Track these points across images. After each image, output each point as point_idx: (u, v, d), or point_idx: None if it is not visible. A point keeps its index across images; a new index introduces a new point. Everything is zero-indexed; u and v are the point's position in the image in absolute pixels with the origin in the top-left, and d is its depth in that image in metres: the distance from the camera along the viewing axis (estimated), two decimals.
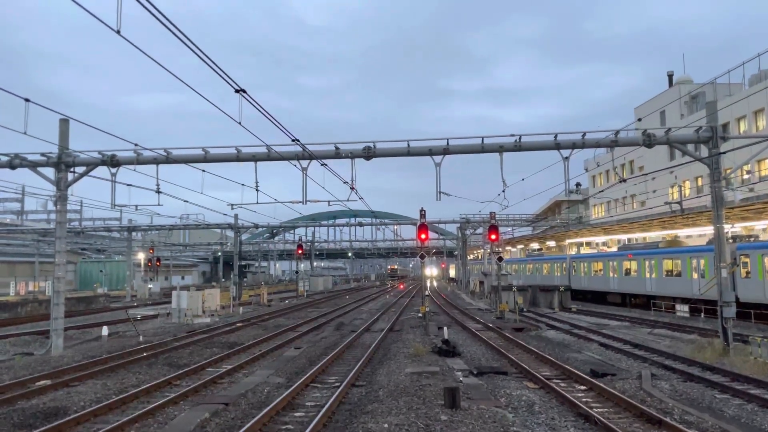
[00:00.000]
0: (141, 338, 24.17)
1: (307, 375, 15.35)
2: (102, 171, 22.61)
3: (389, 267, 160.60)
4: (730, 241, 28.35)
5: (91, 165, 22.24)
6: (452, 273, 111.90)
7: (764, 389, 13.72)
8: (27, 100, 16.19)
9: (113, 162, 21.99)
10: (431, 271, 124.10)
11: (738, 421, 11.51)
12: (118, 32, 9.56)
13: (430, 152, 21.14)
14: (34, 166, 21.93)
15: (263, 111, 13.09)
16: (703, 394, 13.70)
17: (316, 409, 12.04)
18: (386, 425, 10.34)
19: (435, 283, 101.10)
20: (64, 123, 21.97)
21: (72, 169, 22.25)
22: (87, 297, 50.67)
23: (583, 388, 14.22)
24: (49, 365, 17.77)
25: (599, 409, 11.92)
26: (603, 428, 10.42)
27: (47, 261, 63.50)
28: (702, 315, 29.18)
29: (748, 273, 27.05)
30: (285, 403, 12.50)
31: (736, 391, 13.63)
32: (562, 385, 14.44)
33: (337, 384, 14.71)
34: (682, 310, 31.60)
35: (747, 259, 27.10)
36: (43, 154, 21.80)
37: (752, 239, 30.54)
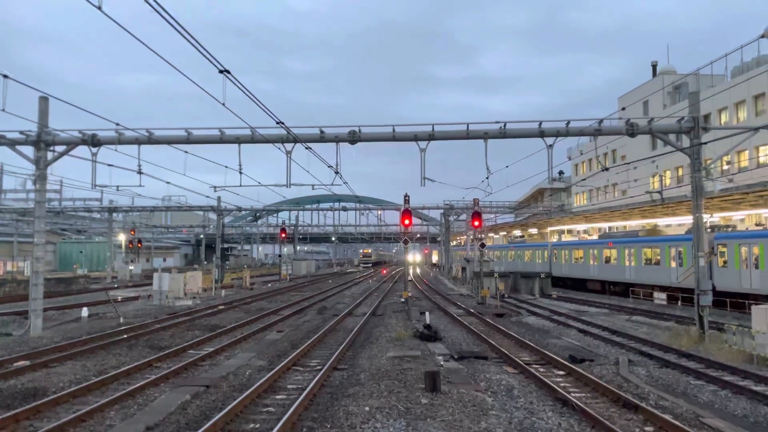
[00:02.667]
0: (121, 320, 24.01)
1: (289, 358, 15.38)
2: (82, 150, 22.27)
3: (362, 251, 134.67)
4: (709, 230, 28.78)
5: (71, 144, 21.88)
6: (435, 259, 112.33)
7: (738, 376, 14.03)
8: (5, 76, 15.87)
9: (94, 141, 21.66)
10: (414, 256, 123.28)
11: (712, 406, 11.77)
12: (99, 8, 9.38)
13: (416, 138, 21.11)
14: (12, 144, 21.53)
15: (247, 92, 12.96)
16: (678, 380, 13.97)
17: (298, 392, 12.09)
18: (367, 408, 10.42)
19: (418, 270, 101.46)
20: (44, 101, 21.56)
21: (52, 148, 21.88)
22: (67, 278, 50.14)
23: (561, 373, 14.42)
24: (28, 346, 17.61)
25: (577, 394, 12.11)
26: (580, 413, 10.59)
27: (26, 241, 62.63)
28: (679, 303, 29.66)
29: (725, 262, 27.51)
30: (266, 386, 12.53)
31: (711, 377, 13.92)
32: (541, 370, 14.62)
33: (318, 367, 14.76)
34: (660, 297, 32.10)
35: (724, 249, 27.55)
36: (22, 132, 21.41)
37: (730, 229, 31.04)
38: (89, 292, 42.79)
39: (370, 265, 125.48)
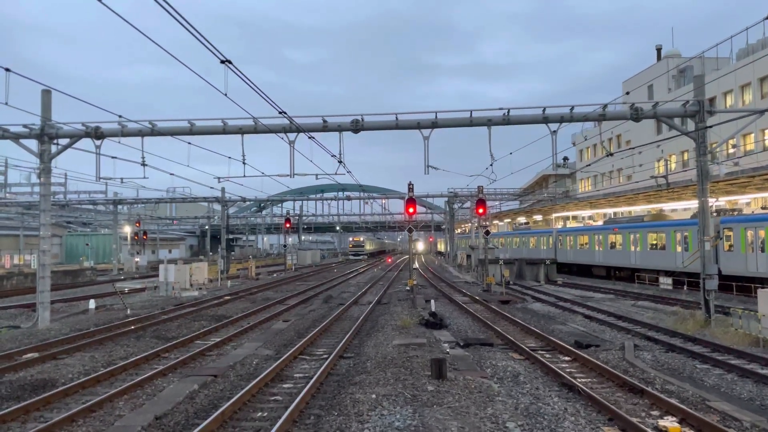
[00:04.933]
0: (128, 311, 24.15)
1: (296, 347, 15.45)
2: (86, 143, 22.33)
3: (351, 239, 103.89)
4: (714, 214, 28.68)
5: (74, 137, 21.91)
6: (440, 247, 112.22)
7: (744, 359, 14.03)
8: (7, 69, 15.83)
9: (97, 134, 21.67)
10: (417, 245, 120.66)
11: (718, 390, 11.77)
12: (100, 0, 9.34)
13: (419, 126, 21.04)
14: (16, 137, 21.56)
15: (249, 82, 12.92)
16: (684, 364, 13.97)
17: (305, 381, 12.16)
18: (374, 396, 10.47)
19: (423, 258, 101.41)
20: (47, 94, 21.56)
21: (55, 141, 21.93)
22: (73, 270, 50.40)
23: (567, 359, 14.45)
24: (36, 338, 17.74)
25: (583, 380, 12.14)
26: (586, 398, 10.62)
27: (32, 234, 62.91)
28: (685, 287, 29.62)
29: (730, 246, 27.43)
30: (273, 375, 12.60)
31: (717, 361, 13.92)
32: (547, 356, 14.66)
33: (325, 356, 14.83)
34: (666, 282, 32.06)
35: (730, 233, 27.46)
36: (25, 126, 21.44)
37: (736, 213, 30.91)
38: (96, 284, 43.03)
39: (363, 257, 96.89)
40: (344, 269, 65.33)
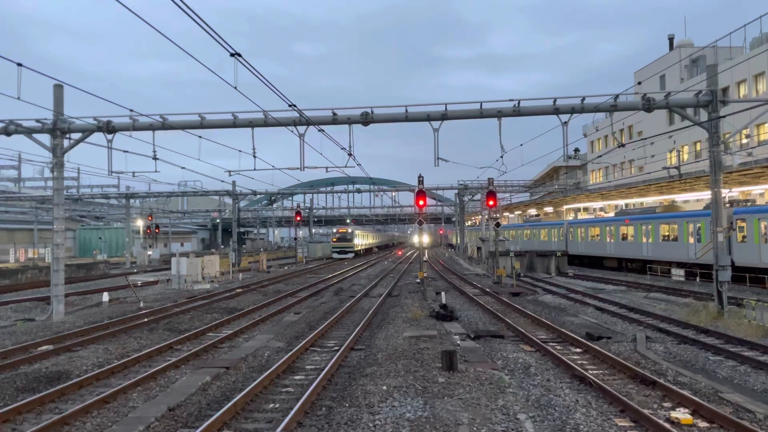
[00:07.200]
0: (141, 304, 24.35)
1: (307, 339, 15.53)
2: (98, 138, 22.47)
3: (336, 230, 77.55)
4: (727, 205, 28.42)
5: (86, 131, 22.06)
6: (451, 239, 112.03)
7: (757, 351, 13.93)
8: (19, 64, 15.96)
9: (109, 128, 21.81)
10: (421, 237, 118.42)
11: (731, 381, 11.71)
12: None
13: (429, 117, 20.98)
14: (29, 132, 21.75)
15: (259, 75, 12.93)
16: (697, 356, 13.90)
17: (316, 372, 12.22)
18: (385, 387, 10.51)
19: (433, 251, 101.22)
20: (59, 88, 21.71)
21: (68, 136, 22.10)
22: (87, 264, 50.82)
23: (578, 350, 14.41)
24: (51, 330, 17.95)
25: (594, 371, 12.11)
26: (598, 389, 10.60)
27: (46, 228, 63.55)
28: (697, 279, 29.41)
29: (744, 237, 27.19)
30: (285, 367, 12.68)
31: (730, 353, 13.83)
32: (558, 348, 14.63)
33: (336, 348, 14.89)
34: (678, 274, 31.85)
35: (743, 224, 27.21)
36: (38, 120, 21.61)
37: (749, 204, 30.61)
38: (109, 277, 43.40)
39: (352, 254, 73.26)
40: (354, 262, 65.46)
